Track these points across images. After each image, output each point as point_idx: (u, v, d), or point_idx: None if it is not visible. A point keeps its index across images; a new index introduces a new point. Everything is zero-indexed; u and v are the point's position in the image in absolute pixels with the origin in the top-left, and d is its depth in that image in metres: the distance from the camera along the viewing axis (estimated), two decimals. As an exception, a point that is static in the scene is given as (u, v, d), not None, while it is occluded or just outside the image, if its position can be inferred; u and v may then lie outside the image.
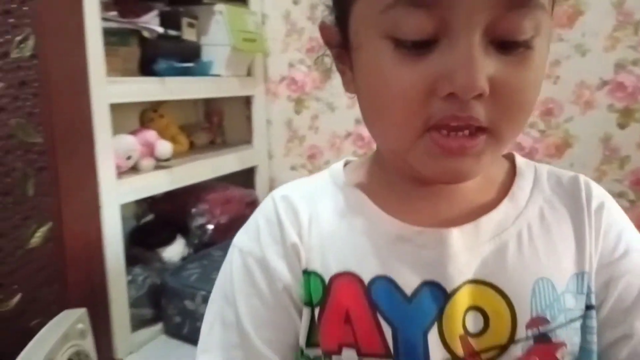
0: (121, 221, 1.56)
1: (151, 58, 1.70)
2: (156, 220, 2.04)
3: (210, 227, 1.95)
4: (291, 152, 2.30)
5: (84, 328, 1.20)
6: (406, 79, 0.37)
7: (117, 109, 1.58)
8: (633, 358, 0.42)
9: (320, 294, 0.47)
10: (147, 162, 1.71)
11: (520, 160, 0.51)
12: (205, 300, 1.61)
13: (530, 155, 1.84)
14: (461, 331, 0.43)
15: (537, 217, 0.46)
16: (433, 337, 0.43)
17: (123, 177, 1.59)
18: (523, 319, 0.42)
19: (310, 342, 0.48)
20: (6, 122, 1.12)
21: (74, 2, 1.26)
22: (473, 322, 0.43)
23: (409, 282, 0.44)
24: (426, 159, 0.40)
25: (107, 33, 1.49)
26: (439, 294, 0.43)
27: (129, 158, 1.63)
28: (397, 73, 0.38)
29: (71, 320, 1.15)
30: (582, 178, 0.49)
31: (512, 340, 0.42)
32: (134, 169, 1.68)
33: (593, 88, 1.75)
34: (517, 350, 0.42)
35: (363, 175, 0.50)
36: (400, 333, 0.43)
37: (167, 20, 1.77)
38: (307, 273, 0.48)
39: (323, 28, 0.47)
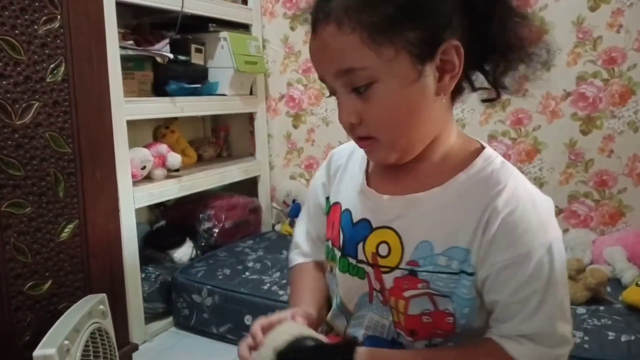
0: (136, 223, 1.77)
1: (163, 80, 1.93)
2: (167, 226, 2.24)
3: (216, 231, 2.14)
4: (290, 163, 2.50)
5: (105, 309, 1.39)
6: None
7: (133, 125, 1.80)
8: (499, 315, 0.60)
9: (328, 210, 0.77)
10: (160, 172, 1.92)
11: (480, 158, 0.62)
12: (210, 293, 1.81)
13: (504, 161, 2.02)
14: (374, 250, 0.66)
15: (442, 204, 0.61)
16: (360, 247, 0.68)
17: (138, 185, 1.81)
18: (406, 258, 0.63)
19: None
20: (42, 135, 1.34)
21: (97, 34, 1.48)
22: (382, 248, 0.65)
23: (356, 216, 0.70)
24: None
25: (125, 59, 1.72)
26: (367, 226, 0.68)
27: (143, 168, 1.83)
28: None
29: (94, 301, 1.35)
30: (506, 182, 0.59)
31: (397, 266, 0.64)
32: (148, 178, 1.89)
33: (558, 99, 1.93)
34: (397, 273, 0.64)
35: None
36: (346, 240, 0.70)
37: (177, 47, 1.99)
38: (327, 198, 0.79)
39: None
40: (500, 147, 2.02)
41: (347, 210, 0.71)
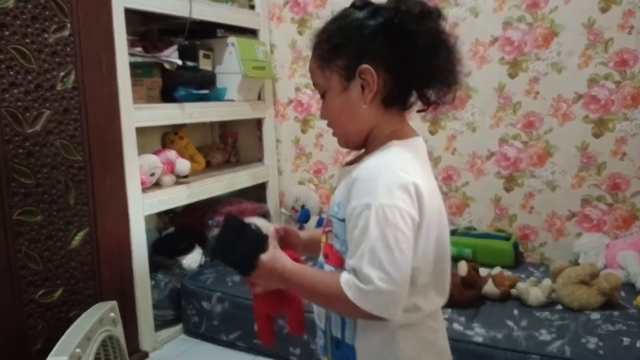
0: (145, 230, 1.77)
1: (172, 86, 1.93)
2: (176, 232, 2.24)
3: (226, 236, 2.13)
4: (299, 168, 2.49)
5: (115, 317, 1.39)
6: None
7: (142, 132, 1.80)
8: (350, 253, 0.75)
9: None
10: (168, 178, 1.92)
11: (381, 149, 0.81)
12: (220, 301, 1.81)
13: (515, 164, 2.01)
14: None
15: (350, 173, 0.79)
16: None
17: (147, 192, 1.80)
18: (329, 211, 0.85)
19: None
20: (53, 142, 1.35)
21: (107, 41, 1.49)
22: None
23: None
24: None
25: (134, 66, 1.72)
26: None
27: (152, 174, 1.83)
28: None
29: (105, 309, 1.34)
30: (368, 161, 0.79)
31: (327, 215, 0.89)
32: (157, 185, 1.89)
33: (569, 102, 1.91)
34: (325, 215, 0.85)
35: None
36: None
37: (186, 53, 2.00)
38: None
39: None
40: (512, 150, 2.01)
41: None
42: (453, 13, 2.01)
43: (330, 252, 0.83)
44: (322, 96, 0.84)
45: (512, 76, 1.98)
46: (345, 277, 0.73)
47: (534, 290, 1.56)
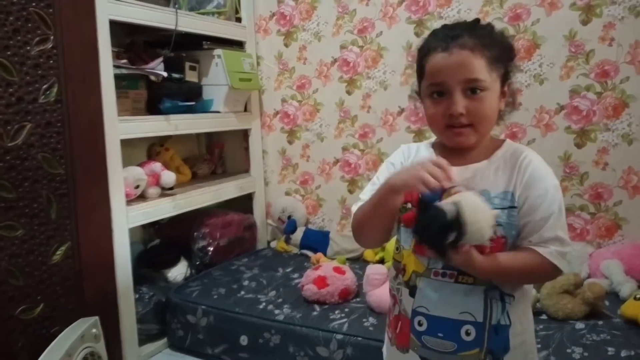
0: (130, 243, 1.75)
1: (158, 98, 1.92)
2: (162, 244, 2.22)
3: (211, 249, 2.13)
4: (285, 179, 2.49)
5: (97, 333, 1.37)
6: (436, 111, 0.90)
7: (127, 144, 1.78)
8: (528, 232, 0.86)
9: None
10: (154, 190, 1.91)
11: (506, 143, 0.94)
12: (205, 314, 1.79)
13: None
14: None
15: (493, 169, 0.90)
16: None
17: (132, 204, 1.78)
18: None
19: None
20: (34, 156, 1.33)
21: (91, 53, 1.48)
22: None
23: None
24: (448, 137, 0.92)
25: (119, 78, 1.71)
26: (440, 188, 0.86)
27: (137, 187, 1.82)
28: (433, 107, 0.91)
29: (86, 325, 1.32)
30: (525, 152, 0.90)
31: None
32: (142, 197, 1.87)
33: (552, 112, 1.93)
34: None
35: (438, 142, 1.00)
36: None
37: (171, 65, 1.99)
38: None
39: (415, 91, 1.00)
40: (496, 161, 2.02)
41: None
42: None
43: (497, 244, 0.87)
44: (472, 91, 0.87)
45: (495, 88, 2.00)
46: (545, 251, 0.85)
47: (519, 301, 1.56)
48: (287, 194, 2.49)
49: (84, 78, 1.45)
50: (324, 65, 2.31)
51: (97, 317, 1.38)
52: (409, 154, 1.02)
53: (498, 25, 1.94)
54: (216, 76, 2.15)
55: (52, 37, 1.35)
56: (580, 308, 1.52)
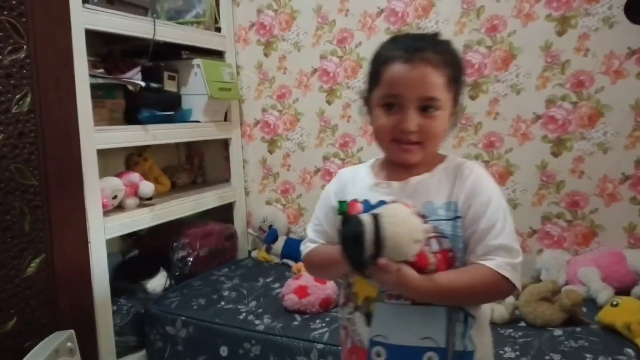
0: (107, 254, 1.72)
1: (135, 108, 1.90)
2: (140, 255, 2.18)
3: (191, 259, 2.10)
4: (266, 188, 2.48)
5: (73, 347, 1.34)
6: (386, 123, 0.88)
7: (105, 154, 1.76)
8: (474, 244, 0.84)
9: (345, 207, 0.90)
10: (132, 201, 1.88)
11: (449, 158, 0.96)
12: (185, 325, 1.77)
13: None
14: None
15: (436, 180, 0.90)
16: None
17: (109, 215, 1.76)
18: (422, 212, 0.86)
19: None
20: (7, 167, 1.30)
21: (65, 63, 1.46)
22: None
23: (374, 200, 0.88)
24: (393, 151, 0.91)
25: (95, 87, 1.69)
26: (384, 203, 0.84)
27: (115, 197, 1.79)
28: (384, 118, 0.89)
29: (61, 339, 1.30)
30: (467, 163, 0.92)
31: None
32: (120, 207, 1.84)
33: (528, 122, 1.96)
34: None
35: (377, 163, 1.00)
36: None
37: (150, 74, 1.97)
38: (339, 201, 0.93)
39: (361, 96, 0.98)
40: (474, 169, 2.04)
41: (365, 200, 0.91)
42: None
43: (443, 258, 0.83)
44: (425, 109, 0.86)
45: (472, 97, 2.02)
46: (492, 263, 0.81)
47: (498, 308, 1.57)
48: (268, 203, 2.48)
49: (58, 88, 1.43)
50: (304, 75, 2.32)
51: (72, 331, 1.36)
52: (346, 181, 0.99)
53: (475, 37, 2.01)
54: (195, 86, 2.14)
55: (25, 47, 1.33)
56: (558, 315, 1.54)
